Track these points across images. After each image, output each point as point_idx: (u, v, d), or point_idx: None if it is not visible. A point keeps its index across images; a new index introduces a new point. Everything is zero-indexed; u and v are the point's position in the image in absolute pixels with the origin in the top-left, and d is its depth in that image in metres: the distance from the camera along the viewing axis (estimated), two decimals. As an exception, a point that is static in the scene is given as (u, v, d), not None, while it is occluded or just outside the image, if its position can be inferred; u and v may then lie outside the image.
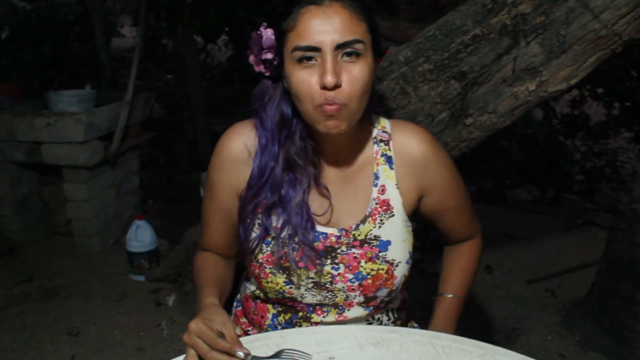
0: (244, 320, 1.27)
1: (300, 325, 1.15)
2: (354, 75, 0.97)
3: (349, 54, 0.97)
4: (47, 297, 2.74)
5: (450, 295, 1.25)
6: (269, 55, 1.06)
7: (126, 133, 3.27)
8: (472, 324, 2.46)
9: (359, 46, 0.97)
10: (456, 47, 1.65)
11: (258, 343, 1.07)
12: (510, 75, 1.59)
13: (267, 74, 1.11)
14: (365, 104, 1.03)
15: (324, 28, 0.95)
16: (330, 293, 1.12)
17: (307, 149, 1.09)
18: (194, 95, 4.25)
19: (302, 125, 1.09)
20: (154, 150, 4.66)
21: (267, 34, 1.06)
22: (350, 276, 1.10)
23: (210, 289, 1.11)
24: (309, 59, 0.97)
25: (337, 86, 0.96)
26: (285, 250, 1.08)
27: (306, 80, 0.98)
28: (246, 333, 1.24)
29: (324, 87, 0.96)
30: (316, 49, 0.96)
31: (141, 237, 2.90)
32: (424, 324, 1.28)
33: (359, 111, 1.02)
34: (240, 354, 0.91)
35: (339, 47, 0.96)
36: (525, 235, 3.47)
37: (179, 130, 5.09)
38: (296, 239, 1.07)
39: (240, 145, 1.12)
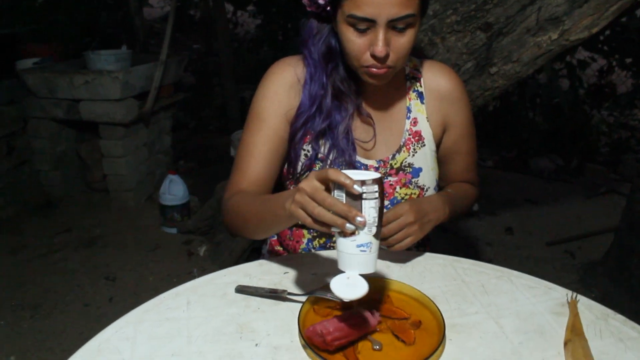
0: (278, 248, 1.36)
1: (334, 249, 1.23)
2: (402, 43, 1.04)
3: (400, 25, 1.02)
4: (85, 247, 2.89)
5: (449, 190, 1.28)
6: (322, 2, 1.09)
7: (159, 93, 3.37)
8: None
9: (410, 19, 1.02)
10: (483, -1, 1.70)
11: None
12: (534, 25, 1.65)
13: (318, 13, 1.14)
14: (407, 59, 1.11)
15: (381, 0, 0.98)
16: None
17: (351, 80, 1.17)
18: (224, 62, 4.32)
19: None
20: (184, 115, 4.76)
21: None
22: (386, 202, 1.19)
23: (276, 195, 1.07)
24: (362, 25, 1.02)
25: (386, 56, 1.03)
26: None
27: (356, 42, 1.04)
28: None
29: (373, 56, 1.03)
30: (371, 21, 1.00)
31: (174, 190, 3.01)
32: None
33: (401, 67, 1.11)
34: (357, 188, 0.79)
35: (393, 21, 1.00)
36: (547, 201, 3.51)
37: (208, 96, 5.18)
38: (341, 160, 1.14)
39: (291, 73, 1.18)
